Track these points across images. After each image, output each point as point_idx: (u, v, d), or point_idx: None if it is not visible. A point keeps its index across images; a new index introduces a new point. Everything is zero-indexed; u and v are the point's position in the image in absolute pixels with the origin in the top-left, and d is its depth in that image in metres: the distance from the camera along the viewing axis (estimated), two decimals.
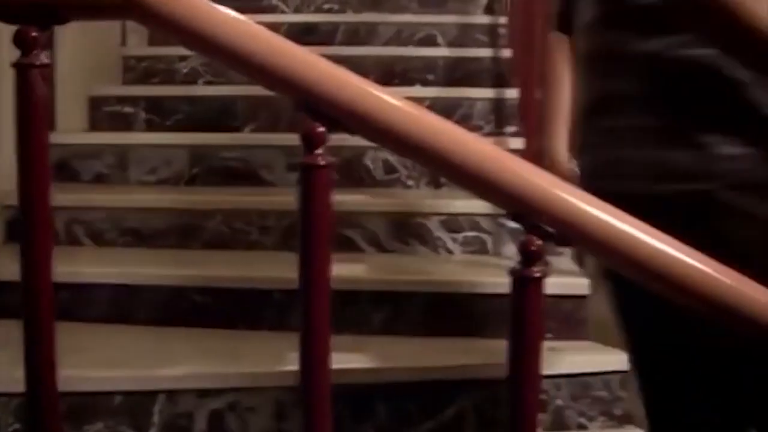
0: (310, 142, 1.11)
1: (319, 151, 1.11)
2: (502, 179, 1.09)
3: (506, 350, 1.15)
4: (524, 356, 1.14)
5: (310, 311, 1.17)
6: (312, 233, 1.14)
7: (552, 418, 2.28)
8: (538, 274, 1.09)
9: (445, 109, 3.39)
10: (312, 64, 1.12)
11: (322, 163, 1.11)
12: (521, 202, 1.09)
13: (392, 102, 1.12)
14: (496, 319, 2.32)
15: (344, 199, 2.83)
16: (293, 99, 1.10)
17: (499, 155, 1.11)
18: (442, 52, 3.97)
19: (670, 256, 1.13)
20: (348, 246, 2.78)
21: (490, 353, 2.20)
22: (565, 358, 2.31)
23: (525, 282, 1.09)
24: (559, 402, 2.29)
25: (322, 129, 1.10)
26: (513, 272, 1.10)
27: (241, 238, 2.85)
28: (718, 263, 1.16)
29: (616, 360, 2.35)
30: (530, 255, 1.08)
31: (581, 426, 2.31)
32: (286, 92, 1.12)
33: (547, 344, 2.36)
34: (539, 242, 1.08)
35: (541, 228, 1.09)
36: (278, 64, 1.09)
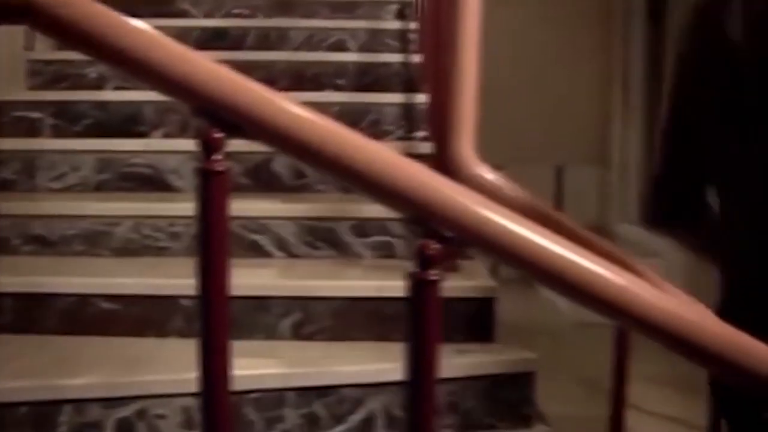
0: (208, 147, 1.11)
1: (217, 156, 1.11)
2: (398, 184, 1.10)
3: (404, 353, 1.16)
4: (422, 359, 1.15)
5: (210, 318, 1.17)
6: (210, 239, 1.14)
7: (461, 420, 2.31)
8: (434, 278, 1.10)
9: (355, 114, 3.41)
10: (210, 70, 1.12)
11: (220, 168, 1.11)
12: (417, 206, 1.10)
13: (291, 108, 1.12)
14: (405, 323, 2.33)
15: (254, 205, 2.83)
16: (191, 105, 1.10)
17: (395, 160, 1.12)
18: (352, 57, 3.99)
19: (570, 260, 1.16)
20: (257, 251, 2.78)
21: (399, 356, 2.21)
22: (474, 361, 2.34)
23: (421, 285, 1.10)
24: (467, 404, 2.31)
25: (219, 134, 1.11)
26: (410, 276, 1.11)
27: (149, 244, 2.83)
28: (617, 267, 1.19)
29: (523, 361, 2.39)
30: (427, 259, 1.09)
31: (491, 426, 2.34)
32: (184, 99, 1.12)
33: (456, 347, 2.42)
34: (436, 246, 1.10)
35: (438, 232, 1.11)
36: (176, 71, 1.09)
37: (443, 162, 2.58)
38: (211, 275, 1.15)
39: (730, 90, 1.55)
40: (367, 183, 1.10)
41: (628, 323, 1.18)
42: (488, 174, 2.22)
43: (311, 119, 1.12)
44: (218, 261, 1.15)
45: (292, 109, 1.11)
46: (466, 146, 2.23)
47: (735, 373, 1.23)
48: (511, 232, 1.12)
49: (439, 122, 2.80)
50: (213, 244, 1.14)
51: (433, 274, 1.10)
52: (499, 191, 2.21)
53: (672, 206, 1.81)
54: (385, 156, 1.11)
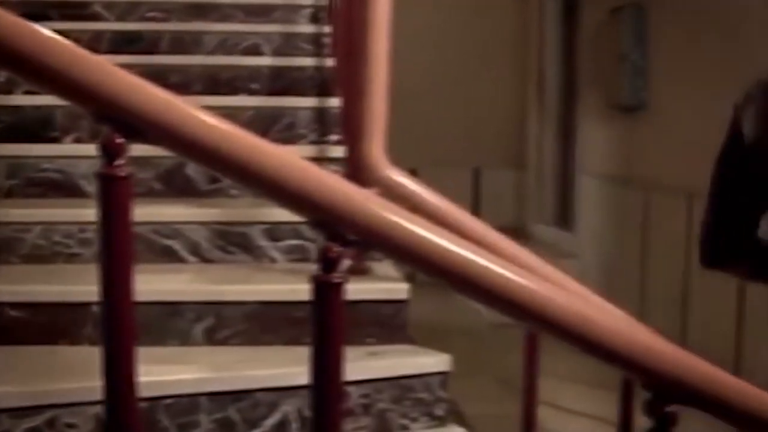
0: (109, 152, 1.11)
1: (119, 161, 1.11)
2: (300, 188, 1.11)
3: (310, 355, 1.17)
4: (327, 361, 1.16)
5: (114, 324, 1.17)
6: (113, 245, 1.14)
7: (375, 422, 2.32)
8: (337, 280, 1.11)
9: (269, 118, 3.41)
10: (110, 74, 1.12)
11: (122, 174, 1.11)
12: (320, 209, 1.11)
13: (194, 113, 1.12)
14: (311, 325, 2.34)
15: (166, 210, 2.81)
16: (88, 110, 1.09)
17: (298, 165, 1.13)
18: (266, 61, 3.98)
19: (473, 263, 1.18)
20: (170, 257, 2.76)
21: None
22: (386, 362, 2.36)
23: (325, 288, 1.12)
24: (381, 405, 2.33)
25: (121, 140, 1.10)
26: (313, 279, 1.12)
27: (60, 250, 2.79)
28: (525, 270, 1.22)
29: (436, 362, 2.41)
30: (330, 261, 1.11)
31: (404, 427, 2.36)
32: (84, 104, 1.11)
33: (368, 349, 2.43)
34: (339, 249, 1.11)
35: (341, 235, 1.12)
36: (72, 74, 1.08)
37: (354, 165, 2.60)
38: (115, 281, 1.15)
39: None
40: (270, 187, 1.11)
41: (534, 325, 1.20)
42: (398, 177, 2.25)
43: (214, 124, 1.12)
44: (122, 267, 1.15)
45: (195, 114, 1.11)
46: (376, 149, 2.25)
47: (644, 375, 1.26)
48: (413, 235, 1.14)
49: (350, 126, 2.81)
50: (116, 249, 1.14)
51: (336, 276, 1.11)
52: (408, 194, 2.24)
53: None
54: (288, 160, 1.12)
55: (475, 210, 9.79)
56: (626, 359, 1.22)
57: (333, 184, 1.13)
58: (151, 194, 3.05)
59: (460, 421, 2.45)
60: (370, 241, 1.12)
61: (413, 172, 8.45)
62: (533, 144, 9.29)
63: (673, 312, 6.01)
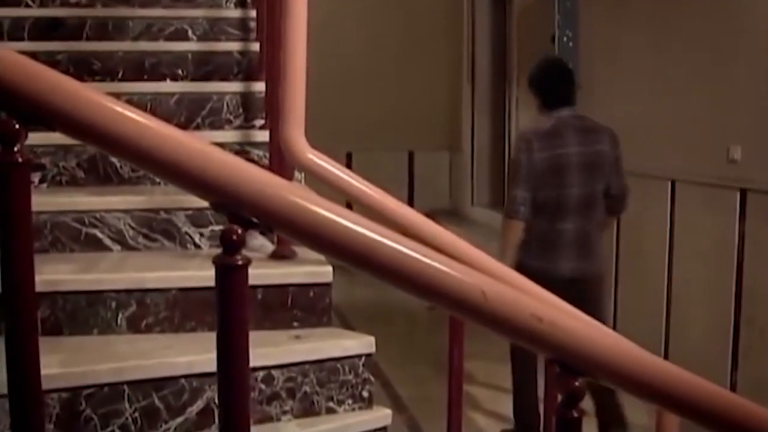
0: (6, 138, 1.09)
1: (16, 147, 1.09)
2: (198, 169, 1.10)
3: (215, 339, 1.17)
4: (231, 344, 1.16)
5: (16, 313, 1.15)
6: (12, 233, 1.13)
7: (301, 405, 2.32)
8: (240, 262, 1.11)
9: (194, 103, 3.38)
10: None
11: (20, 160, 1.09)
12: (219, 192, 1.11)
13: (91, 97, 1.11)
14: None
15: (89, 198, 2.78)
16: None
17: (196, 146, 1.12)
18: (192, 46, 3.94)
19: (373, 240, 1.18)
20: (94, 245, 2.73)
21: None
22: (311, 345, 2.36)
23: (228, 270, 1.11)
24: (306, 389, 2.33)
25: (17, 125, 1.09)
26: (215, 261, 1.12)
27: None
28: (435, 250, 1.22)
29: (360, 344, 2.42)
30: (232, 244, 1.10)
31: (330, 410, 2.36)
32: None
33: (293, 332, 2.43)
34: (240, 231, 1.11)
35: (243, 217, 1.12)
36: None
37: (276, 149, 2.59)
38: (15, 270, 1.13)
39: None
40: (168, 170, 1.10)
41: (445, 306, 1.21)
42: (318, 160, 2.25)
43: (112, 109, 1.11)
44: (22, 256, 1.13)
45: (91, 97, 1.10)
46: (295, 133, 2.24)
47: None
48: (314, 215, 1.14)
49: (273, 111, 2.81)
50: (16, 238, 1.12)
51: (239, 258, 1.11)
52: (329, 177, 2.24)
53: None
54: (186, 142, 1.11)
55: (411, 192, 9.83)
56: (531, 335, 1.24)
57: (233, 165, 1.12)
58: (74, 182, 3.01)
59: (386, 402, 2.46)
60: (272, 223, 1.12)
61: (349, 157, 8.46)
62: (467, 127, 9.32)
63: (651, 293, 6.07)
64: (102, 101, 1.11)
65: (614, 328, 5.98)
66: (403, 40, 9.43)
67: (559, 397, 1.24)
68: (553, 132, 4.44)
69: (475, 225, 9.13)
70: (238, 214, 1.11)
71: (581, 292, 3.91)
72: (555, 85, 4.57)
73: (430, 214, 2.40)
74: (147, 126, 1.09)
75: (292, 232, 1.14)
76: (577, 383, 1.21)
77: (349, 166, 9.53)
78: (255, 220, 1.11)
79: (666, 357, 5.31)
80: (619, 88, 6.06)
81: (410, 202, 9.77)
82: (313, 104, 7.78)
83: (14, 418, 1.15)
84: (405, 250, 1.14)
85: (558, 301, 2.31)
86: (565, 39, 6.66)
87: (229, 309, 1.14)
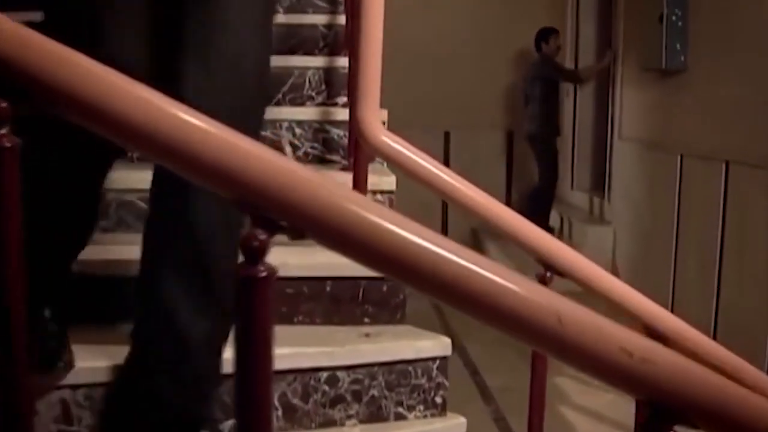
0: None
1: (3, 130, 0.92)
2: (216, 159, 0.91)
3: (233, 361, 0.98)
4: (249, 367, 0.97)
5: None
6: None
7: (367, 409, 2.14)
8: (263, 274, 0.92)
9: (275, 77, 3.21)
10: None
11: (8, 144, 0.93)
12: (242, 186, 0.92)
13: (88, 66, 0.93)
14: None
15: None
16: None
17: (217, 134, 0.93)
18: (278, 18, 3.78)
19: (432, 252, 0.98)
20: None
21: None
22: (381, 345, 2.17)
23: (247, 283, 0.92)
24: (374, 392, 2.15)
25: (4, 104, 0.92)
26: (238, 272, 0.93)
27: None
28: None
29: (436, 345, 2.23)
30: (252, 251, 0.91)
31: (399, 416, 2.18)
32: None
33: (362, 330, 2.25)
34: (264, 236, 0.92)
35: (269, 219, 0.93)
36: None
37: (353, 130, 2.41)
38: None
39: None
40: (180, 158, 0.92)
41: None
42: (392, 143, 2.05)
43: (113, 81, 0.93)
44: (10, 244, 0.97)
45: (90, 67, 0.92)
46: (369, 113, 2.05)
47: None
48: (361, 220, 0.94)
49: (353, 88, 2.62)
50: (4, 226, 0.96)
51: (260, 270, 0.92)
52: (403, 160, 2.04)
53: None
54: (206, 129, 0.92)
55: (509, 173, 9.57)
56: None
57: (259, 156, 0.93)
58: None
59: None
60: (304, 228, 0.93)
61: (447, 135, 8.24)
62: (569, 109, 9.02)
63: (708, 278, 5.78)
64: (114, 79, 0.93)
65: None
66: (505, 18, 9.16)
67: None
68: None
69: (574, 210, 8.85)
70: (262, 215, 0.92)
71: None
72: None
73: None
74: (153, 103, 0.90)
75: (329, 239, 0.95)
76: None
77: (447, 145, 9.33)
78: (284, 224, 0.92)
79: (714, 337, 5.02)
80: (730, 70, 5.72)
81: (508, 183, 9.52)
82: (410, 82, 7.61)
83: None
84: (455, 258, 0.93)
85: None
86: (674, 18, 6.33)
87: (249, 328, 0.95)
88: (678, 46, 6.35)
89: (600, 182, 8.44)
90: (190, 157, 0.91)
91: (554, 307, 0.96)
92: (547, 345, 0.97)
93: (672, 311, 6.22)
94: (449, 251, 0.93)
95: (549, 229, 8.49)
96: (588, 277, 2.08)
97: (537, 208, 8.42)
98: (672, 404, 0.99)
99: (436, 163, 2.03)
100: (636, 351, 0.98)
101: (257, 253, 0.91)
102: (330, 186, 0.93)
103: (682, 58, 6.36)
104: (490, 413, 5.06)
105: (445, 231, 9.15)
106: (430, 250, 0.92)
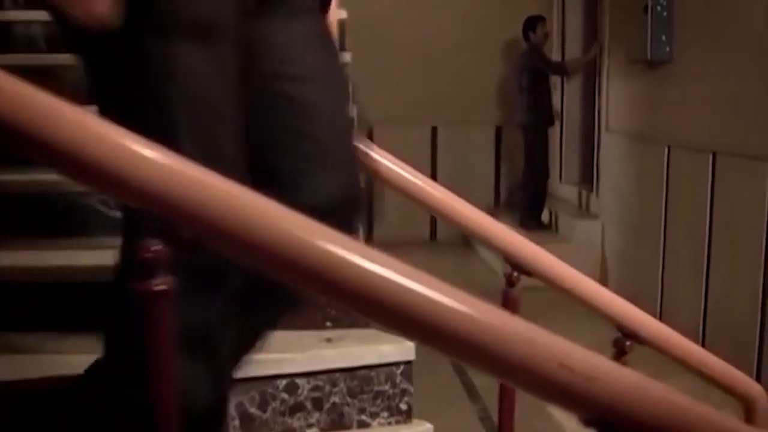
0: None
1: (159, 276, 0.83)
2: (100, 161, 0.82)
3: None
4: (154, 383, 0.88)
5: None
6: None
7: (328, 418, 2.06)
8: (160, 287, 0.83)
9: None
10: None
11: (163, 288, 0.83)
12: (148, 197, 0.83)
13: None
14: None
15: None
16: None
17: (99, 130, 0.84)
18: None
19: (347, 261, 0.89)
20: None
21: None
22: (342, 350, 2.09)
23: (144, 298, 0.84)
24: (335, 399, 2.07)
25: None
26: (131, 287, 0.84)
27: None
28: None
29: (399, 349, 2.14)
30: (146, 264, 0.83)
31: (362, 424, 2.10)
32: None
33: (324, 334, 2.16)
34: (159, 248, 0.83)
35: (169, 229, 0.84)
36: None
37: None
38: None
39: None
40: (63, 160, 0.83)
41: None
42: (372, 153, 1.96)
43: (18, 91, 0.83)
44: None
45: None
46: None
47: None
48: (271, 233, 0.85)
49: None
50: None
51: (158, 283, 0.83)
52: (370, 164, 1.95)
53: None
54: (88, 124, 0.83)
55: (497, 167, 9.50)
56: None
57: (152, 160, 0.84)
58: None
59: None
60: (217, 240, 0.83)
61: (434, 131, 8.16)
62: (556, 101, 8.93)
63: (697, 270, 5.71)
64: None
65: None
66: (492, 11, 9.07)
67: None
68: None
69: (563, 203, 8.77)
70: (161, 226, 0.83)
71: None
72: None
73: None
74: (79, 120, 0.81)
75: (243, 253, 0.86)
76: None
77: (434, 141, 9.25)
78: (188, 236, 0.83)
79: (761, 345, 4.94)
80: (715, 61, 5.64)
81: (496, 179, 9.44)
82: (396, 78, 7.52)
83: None
84: (366, 265, 0.84)
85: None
86: (659, 9, 6.24)
87: (150, 343, 0.86)
88: (663, 37, 6.27)
89: (589, 175, 8.36)
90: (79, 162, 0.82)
91: (483, 319, 0.88)
92: (474, 360, 0.89)
93: (661, 304, 6.17)
94: (361, 258, 0.84)
95: (542, 225, 8.41)
96: (557, 277, 1.99)
97: (528, 203, 8.35)
98: (622, 425, 0.91)
99: (410, 168, 1.95)
100: (578, 367, 0.90)
101: (151, 266, 0.83)
102: (232, 190, 0.84)
103: (668, 49, 6.28)
104: (477, 412, 5.00)
105: (434, 229, 9.09)
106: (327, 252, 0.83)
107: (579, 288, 1.97)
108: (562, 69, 8.58)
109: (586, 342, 0.97)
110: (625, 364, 1.95)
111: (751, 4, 5.18)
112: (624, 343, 1.87)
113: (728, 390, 2.05)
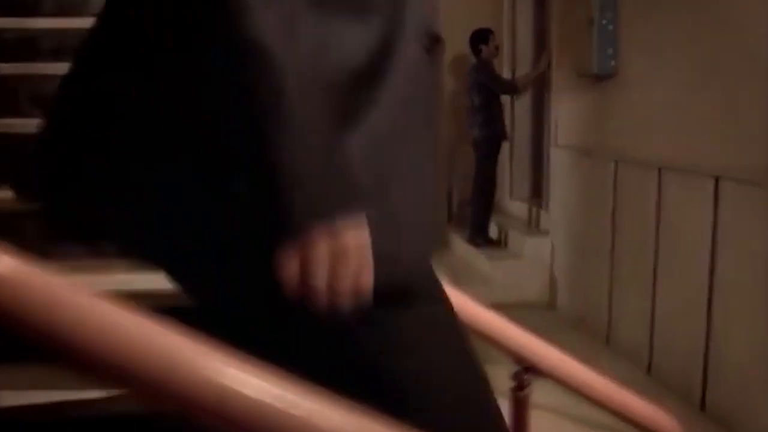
0: None
1: None
2: None
3: None
4: None
5: None
6: None
7: None
8: None
9: None
10: None
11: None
12: None
13: None
14: None
15: None
16: None
17: None
18: None
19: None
20: None
21: None
22: None
23: None
24: None
25: None
26: None
27: None
28: None
29: None
30: None
31: None
32: None
33: None
34: None
35: None
36: None
37: None
38: None
39: None
40: None
41: None
42: None
43: None
44: None
45: None
46: None
47: None
48: None
49: None
50: None
51: None
52: None
53: None
54: None
55: (449, 183, 9.37)
56: None
57: None
58: None
59: None
60: None
61: None
62: (506, 117, 8.84)
63: (644, 289, 5.60)
64: None
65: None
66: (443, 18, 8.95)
67: None
68: None
69: (513, 220, 8.67)
70: None
71: None
72: None
73: None
74: None
75: None
76: None
77: None
78: None
79: (705, 365, 4.84)
80: (660, 76, 5.55)
81: (448, 195, 9.31)
82: None
83: None
84: None
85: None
86: (604, 22, 6.15)
87: None
88: (609, 50, 6.18)
89: (538, 192, 8.25)
90: None
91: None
92: None
93: (609, 323, 6.05)
94: None
95: (490, 241, 8.29)
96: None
97: (477, 220, 8.24)
98: None
99: None
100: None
101: None
102: None
103: (613, 63, 6.19)
104: None
105: None
106: None
107: (479, 321, 1.83)
108: (512, 88, 8.47)
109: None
110: (525, 398, 1.82)
111: (695, 17, 5.09)
112: (522, 377, 1.74)
113: (634, 423, 1.92)
